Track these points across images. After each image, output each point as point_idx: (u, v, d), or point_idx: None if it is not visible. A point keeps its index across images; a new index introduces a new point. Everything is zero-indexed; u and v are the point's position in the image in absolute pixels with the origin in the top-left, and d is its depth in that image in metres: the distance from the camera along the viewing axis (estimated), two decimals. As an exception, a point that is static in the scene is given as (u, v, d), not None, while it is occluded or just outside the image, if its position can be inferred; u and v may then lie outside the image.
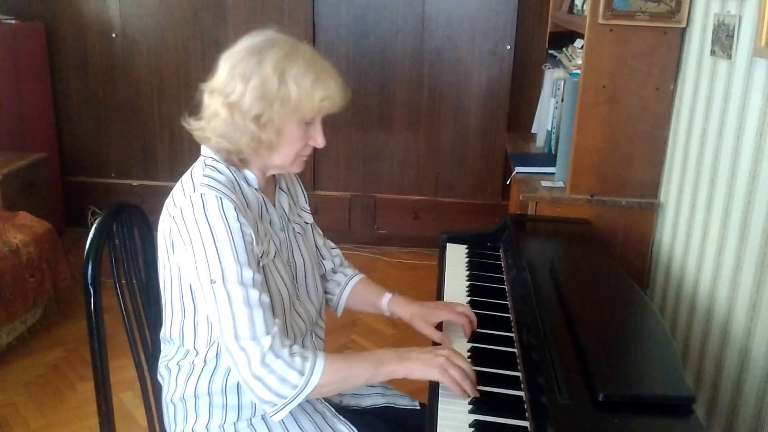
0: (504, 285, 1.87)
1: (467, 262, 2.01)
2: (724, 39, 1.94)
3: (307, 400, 1.31)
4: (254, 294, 1.26)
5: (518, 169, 2.70)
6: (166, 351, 1.46)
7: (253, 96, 1.28)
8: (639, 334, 1.52)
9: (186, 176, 1.36)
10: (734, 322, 1.84)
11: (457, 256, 2.05)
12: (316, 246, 1.63)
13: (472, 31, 3.93)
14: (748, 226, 1.78)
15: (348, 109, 4.36)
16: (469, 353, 1.51)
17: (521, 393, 1.36)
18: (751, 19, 1.80)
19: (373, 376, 1.32)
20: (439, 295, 1.81)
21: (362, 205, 4.26)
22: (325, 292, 1.67)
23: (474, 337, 1.57)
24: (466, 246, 2.12)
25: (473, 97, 4.03)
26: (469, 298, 1.78)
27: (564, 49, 3.01)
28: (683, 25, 2.22)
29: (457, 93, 4.04)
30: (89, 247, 1.37)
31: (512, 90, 4.01)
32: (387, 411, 1.56)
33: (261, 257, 1.33)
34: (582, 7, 2.85)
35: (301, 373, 1.25)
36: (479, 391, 1.34)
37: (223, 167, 1.36)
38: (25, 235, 2.98)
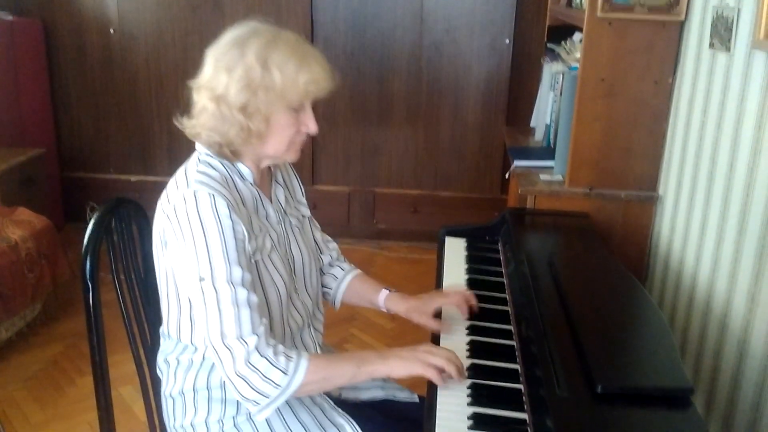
0: (503, 278, 1.87)
1: (466, 256, 2.01)
2: (722, 31, 1.94)
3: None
4: (242, 293, 1.25)
5: (517, 162, 2.70)
6: (165, 346, 1.47)
7: (238, 86, 1.28)
8: (637, 327, 1.52)
9: (180, 172, 1.36)
10: (733, 314, 1.84)
11: (456, 250, 2.05)
12: (314, 239, 1.63)
13: (470, 25, 3.92)
14: (747, 218, 1.78)
15: (346, 103, 4.38)
16: (467, 346, 1.52)
17: (520, 386, 1.37)
18: (749, 12, 1.80)
19: (355, 375, 1.32)
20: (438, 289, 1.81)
21: (361, 199, 4.26)
22: (323, 286, 1.67)
23: (473, 330, 1.58)
24: (465, 240, 2.12)
25: (472, 91, 4.03)
26: (468, 291, 1.78)
27: (563, 42, 3.00)
28: (682, 18, 2.22)
29: (456, 87, 4.03)
30: (87, 242, 1.37)
31: (511, 84, 4.00)
32: (386, 404, 1.56)
33: (254, 253, 1.33)
34: (580, 0, 2.84)
35: (285, 372, 1.24)
36: (479, 384, 1.34)
37: (216, 163, 1.35)
38: (23, 231, 2.98)
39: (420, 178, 4.21)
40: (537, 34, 3.88)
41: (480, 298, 1.73)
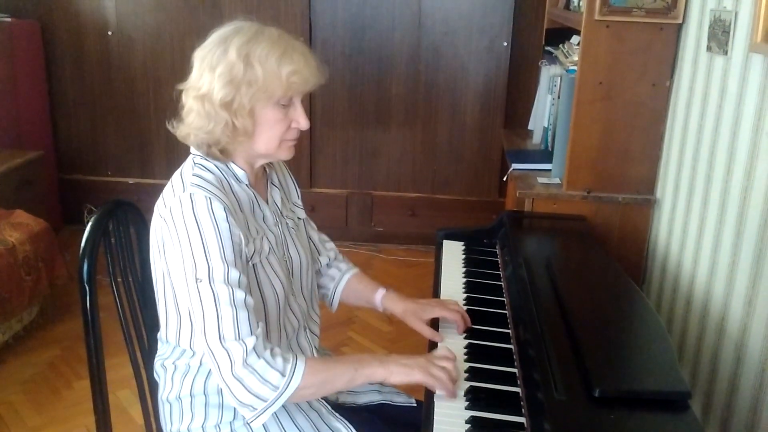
0: (500, 281, 1.87)
1: (464, 259, 2.01)
2: (720, 35, 1.94)
3: None
4: (240, 294, 1.25)
5: (515, 165, 2.70)
6: (163, 350, 1.46)
7: (221, 83, 1.28)
8: (635, 330, 1.52)
9: (176, 176, 1.36)
10: (730, 317, 1.84)
11: (453, 253, 2.05)
12: (311, 240, 1.63)
13: (468, 28, 3.92)
14: (744, 221, 1.79)
15: (344, 106, 4.38)
16: (465, 349, 1.51)
17: (517, 389, 1.37)
18: (747, 15, 1.80)
19: (352, 378, 1.31)
20: (436, 292, 1.81)
21: (359, 202, 4.25)
22: (320, 287, 1.67)
23: (470, 334, 1.58)
24: (462, 243, 2.12)
25: (470, 94, 4.03)
26: (465, 294, 1.78)
27: (560, 45, 3.00)
28: (679, 21, 2.22)
29: (454, 90, 4.03)
30: (85, 245, 1.37)
31: (509, 87, 4.00)
32: (383, 408, 1.56)
33: (252, 256, 1.33)
34: (578, 3, 2.85)
35: (282, 374, 1.23)
36: (477, 388, 1.34)
37: (211, 166, 1.35)
38: (21, 234, 2.97)
39: (418, 180, 4.21)
40: (535, 37, 3.88)
41: (477, 302, 1.74)
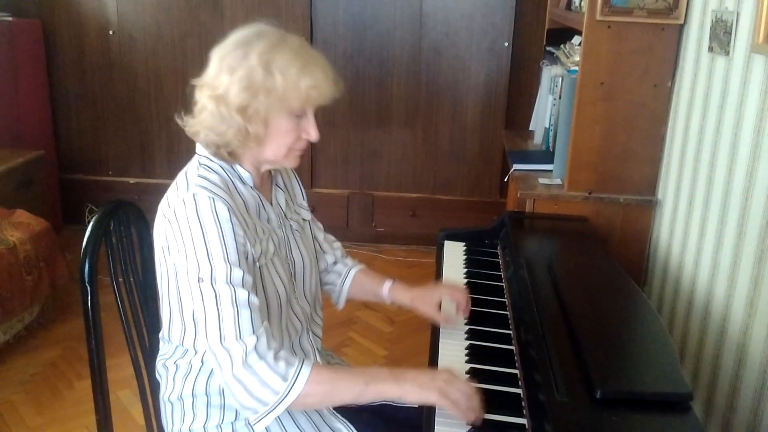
0: (502, 282, 1.87)
1: (465, 260, 2.01)
2: (721, 35, 1.94)
3: None
4: (242, 294, 1.24)
5: (516, 166, 2.70)
6: (165, 349, 1.46)
7: (239, 87, 1.27)
8: (636, 331, 1.52)
9: (180, 176, 1.35)
10: (732, 318, 1.84)
11: (454, 254, 2.05)
12: (316, 240, 1.63)
13: (469, 28, 3.92)
14: (746, 222, 1.78)
15: (345, 106, 4.38)
16: (466, 350, 1.51)
17: (519, 390, 1.36)
18: (748, 16, 1.80)
19: (362, 392, 1.25)
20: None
21: (360, 202, 4.25)
22: (327, 284, 1.68)
23: (472, 335, 1.58)
24: (463, 243, 2.12)
25: (471, 95, 4.03)
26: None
27: (562, 45, 3.00)
28: (681, 21, 2.22)
29: (455, 90, 4.03)
30: (86, 244, 1.37)
31: (510, 87, 4.00)
32: (385, 409, 1.56)
33: (259, 257, 1.33)
34: (580, 3, 2.85)
35: (285, 379, 1.21)
36: (478, 389, 1.34)
37: (216, 166, 1.35)
38: (22, 233, 2.97)
39: (419, 181, 4.21)
40: (536, 38, 3.88)
41: (479, 302, 1.73)
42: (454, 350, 1.51)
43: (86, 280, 1.34)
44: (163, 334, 1.45)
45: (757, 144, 1.75)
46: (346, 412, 1.49)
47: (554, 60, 3.07)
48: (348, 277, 1.68)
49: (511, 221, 2.12)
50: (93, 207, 4.29)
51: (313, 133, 1.36)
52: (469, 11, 3.90)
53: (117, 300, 1.48)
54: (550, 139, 2.92)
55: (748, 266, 1.76)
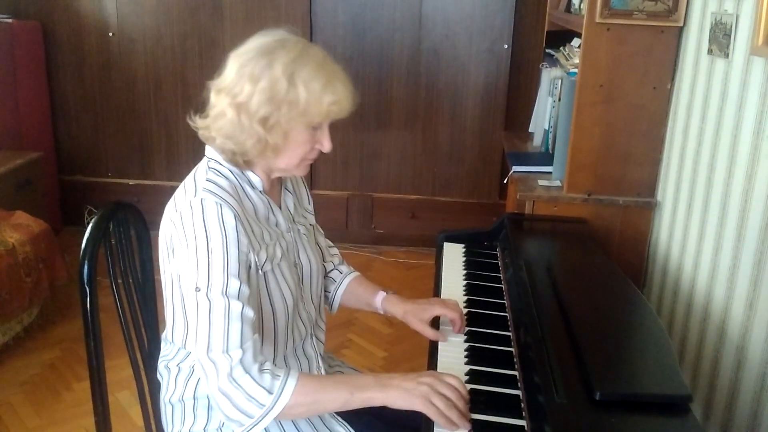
0: (501, 284, 1.86)
1: (464, 261, 2.01)
2: (721, 38, 1.94)
3: None
4: (236, 306, 1.23)
5: (515, 168, 2.70)
6: (167, 351, 1.46)
7: (262, 98, 1.26)
8: (636, 333, 1.52)
9: (189, 179, 1.34)
10: (731, 320, 1.84)
11: (454, 255, 2.05)
12: (318, 246, 1.63)
13: (469, 30, 3.93)
14: (745, 224, 1.78)
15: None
16: (466, 352, 1.51)
17: (518, 392, 1.36)
18: (748, 18, 1.80)
19: (347, 401, 1.24)
20: (437, 294, 1.81)
21: (359, 204, 4.26)
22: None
23: (471, 336, 1.57)
24: (463, 245, 2.12)
25: (470, 96, 4.03)
26: (466, 297, 1.78)
27: (561, 48, 3.00)
28: (680, 23, 2.22)
29: (455, 92, 4.04)
30: (85, 246, 1.37)
31: (509, 89, 4.01)
32: (384, 410, 1.55)
33: (264, 264, 1.32)
34: (579, 5, 2.85)
35: (270, 392, 1.20)
36: (477, 390, 1.34)
37: (226, 171, 1.34)
38: (21, 235, 2.97)
39: (418, 183, 4.21)
40: (536, 40, 3.89)
41: (478, 304, 1.73)
42: (453, 352, 1.51)
43: (85, 281, 1.34)
44: (166, 335, 1.45)
45: (756, 146, 1.75)
46: (346, 414, 1.48)
47: (554, 62, 3.07)
48: (342, 284, 1.67)
49: (510, 223, 2.12)
50: (92, 208, 4.29)
51: (326, 145, 1.36)
52: (468, 13, 3.90)
53: (116, 301, 1.48)
54: (550, 141, 2.92)
55: (748, 268, 1.76)
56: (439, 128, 4.11)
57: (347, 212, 4.27)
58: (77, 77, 4.20)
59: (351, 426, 1.44)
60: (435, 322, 1.60)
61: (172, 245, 1.30)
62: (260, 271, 1.32)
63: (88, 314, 1.35)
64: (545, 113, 3.04)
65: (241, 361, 1.21)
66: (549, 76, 3.03)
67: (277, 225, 1.41)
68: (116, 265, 1.48)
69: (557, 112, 2.75)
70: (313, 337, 1.51)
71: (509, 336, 1.58)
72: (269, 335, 1.38)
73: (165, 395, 1.46)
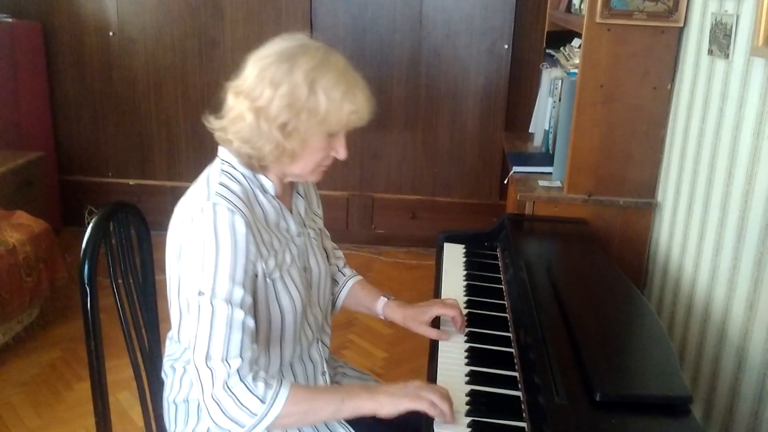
0: (501, 285, 1.86)
1: (464, 262, 2.01)
2: (721, 38, 1.94)
3: None
4: (239, 315, 1.22)
5: (516, 168, 2.70)
6: (172, 350, 1.45)
7: (282, 103, 1.25)
8: (636, 334, 1.52)
9: (201, 181, 1.33)
10: (731, 321, 1.84)
11: (454, 256, 2.05)
12: (325, 249, 1.63)
13: (469, 31, 3.93)
14: (746, 225, 1.78)
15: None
16: (466, 353, 1.51)
17: (518, 393, 1.36)
18: (748, 19, 1.80)
19: (338, 409, 1.25)
20: (437, 295, 1.81)
21: (360, 204, 4.25)
22: None
23: (471, 337, 1.57)
24: (463, 246, 2.12)
25: (471, 97, 4.03)
26: (466, 297, 1.78)
27: (561, 48, 3.00)
28: (681, 24, 2.22)
29: (455, 92, 4.04)
30: (86, 246, 1.37)
31: (510, 89, 4.00)
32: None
33: (272, 271, 1.32)
34: (579, 6, 2.85)
35: (262, 401, 1.19)
36: (477, 391, 1.34)
37: (239, 175, 1.33)
38: (21, 234, 2.97)
39: (418, 183, 4.21)
40: (536, 40, 3.89)
41: (478, 305, 1.73)
42: (453, 353, 1.51)
43: (86, 281, 1.34)
44: (172, 334, 1.44)
45: (756, 147, 1.75)
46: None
47: (554, 62, 3.07)
48: (345, 287, 1.67)
49: (510, 223, 2.12)
50: (92, 208, 4.29)
51: (342, 152, 1.36)
52: (468, 13, 3.90)
53: (116, 302, 1.48)
54: (550, 142, 2.92)
55: (748, 269, 1.76)
56: (439, 129, 4.11)
57: (347, 212, 4.27)
58: (77, 77, 4.20)
59: (352, 427, 1.44)
60: (436, 323, 1.60)
61: (181, 246, 1.29)
62: (268, 279, 1.32)
63: (89, 314, 1.35)
64: (545, 114, 3.04)
65: (239, 370, 1.20)
66: (549, 76, 3.03)
67: (287, 230, 1.41)
68: (117, 265, 1.48)
69: (557, 113, 2.75)
70: (319, 342, 1.51)
71: (509, 337, 1.58)
72: (276, 340, 1.38)
73: (169, 395, 1.46)
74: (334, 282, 1.68)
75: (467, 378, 1.41)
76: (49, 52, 4.14)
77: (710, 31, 2.02)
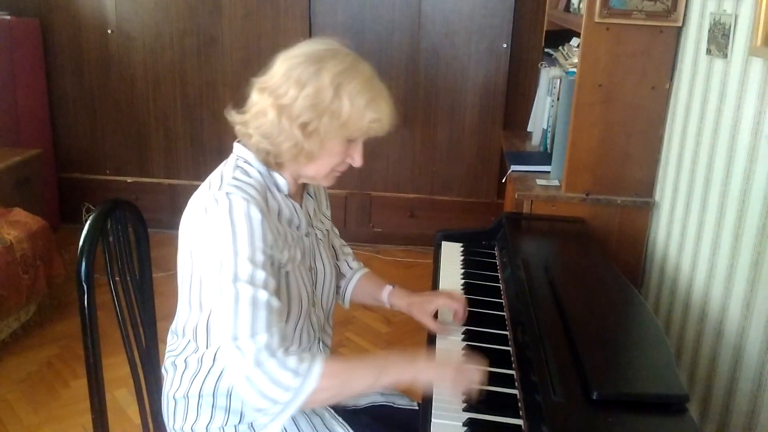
0: (499, 283, 1.87)
1: (462, 261, 2.01)
2: (720, 38, 1.94)
3: None
4: (263, 295, 1.22)
5: (514, 167, 2.70)
6: (175, 345, 1.45)
7: (305, 103, 1.26)
8: (633, 333, 1.52)
9: (215, 175, 1.33)
10: (728, 321, 1.84)
11: (452, 255, 2.05)
12: (333, 248, 1.64)
13: (468, 30, 3.93)
14: (743, 225, 1.79)
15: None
16: (463, 351, 1.51)
17: (515, 391, 1.36)
18: (747, 18, 1.80)
19: (376, 380, 1.26)
20: (434, 293, 1.81)
21: (358, 203, 4.25)
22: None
23: (468, 335, 1.58)
24: (461, 244, 2.12)
25: (469, 96, 4.03)
26: (463, 296, 1.78)
27: (560, 47, 3.01)
28: (679, 24, 2.22)
29: (454, 91, 4.04)
30: (83, 243, 1.37)
31: (508, 88, 4.01)
32: (384, 410, 1.56)
33: (286, 264, 1.32)
34: (578, 5, 2.85)
35: (296, 374, 1.19)
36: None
37: (253, 171, 1.34)
38: (19, 232, 2.97)
39: (417, 182, 4.21)
40: (535, 39, 3.89)
41: (476, 303, 1.73)
42: (450, 351, 1.51)
43: (83, 278, 1.34)
44: (176, 328, 1.44)
45: (754, 146, 1.75)
46: (346, 413, 1.49)
47: (552, 61, 3.07)
48: (352, 279, 1.69)
49: (508, 222, 2.12)
50: (90, 206, 4.29)
51: (357, 159, 1.36)
52: (467, 12, 3.90)
53: (114, 299, 1.48)
54: (548, 141, 2.92)
55: (745, 268, 1.76)
56: (437, 127, 4.11)
57: (345, 211, 4.27)
58: (76, 74, 4.20)
59: (351, 427, 1.44)
60: (435, 317, 1.61)
61: (194, 237, 1.28)
62: (282, 270, 1.32)
63: (86, 312, 1.35)
64: (544, 113, 3.04)
65: (268, 345, 1.19)
66: (548, 75, 3.03)
67: (299, 228, 1.41)
68: (114, 263, 1.48)
69: (556, 112, 2.75)
70: (320, 342, 1.52)
71: (506, 335, 1.59)
72: None
73: (169, 390, 1.45)
74: (342, 275, 1.69)
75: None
76: (48, 49, 4.14)
77: (709, 31, 2.02)
